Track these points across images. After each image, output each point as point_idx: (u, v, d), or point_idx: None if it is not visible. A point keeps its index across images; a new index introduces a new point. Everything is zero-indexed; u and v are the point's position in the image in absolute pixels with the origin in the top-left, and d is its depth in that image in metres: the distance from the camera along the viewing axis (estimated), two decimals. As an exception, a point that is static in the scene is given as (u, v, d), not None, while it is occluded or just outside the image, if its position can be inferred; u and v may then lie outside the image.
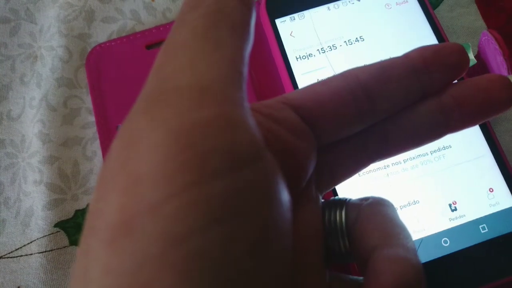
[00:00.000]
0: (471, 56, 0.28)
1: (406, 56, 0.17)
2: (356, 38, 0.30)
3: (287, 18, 0.30)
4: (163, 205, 0.11)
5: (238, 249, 0.11)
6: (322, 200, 0.17)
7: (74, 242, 0.29)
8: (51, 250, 0.28)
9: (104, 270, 0.11)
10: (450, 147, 0.27)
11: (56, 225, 0.29)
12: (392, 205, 0.17)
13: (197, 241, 0.11)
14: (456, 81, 0.17)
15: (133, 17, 0.33)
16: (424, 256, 0.25)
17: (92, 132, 0.31)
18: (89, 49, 0.32)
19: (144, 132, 0.12)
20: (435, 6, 0.33)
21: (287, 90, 0.29)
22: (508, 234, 0.25)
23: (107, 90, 0.31)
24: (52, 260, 0.28)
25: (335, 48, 0.29)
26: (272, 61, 0.31)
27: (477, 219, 0.26)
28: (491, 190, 0.27)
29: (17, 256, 0.28)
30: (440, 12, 0.33)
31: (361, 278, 0.16)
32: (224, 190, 0.11)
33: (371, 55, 0.29)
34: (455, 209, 0.26)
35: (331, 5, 0.31)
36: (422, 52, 0.17)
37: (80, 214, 0.29)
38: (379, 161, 0.18)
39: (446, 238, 0.26)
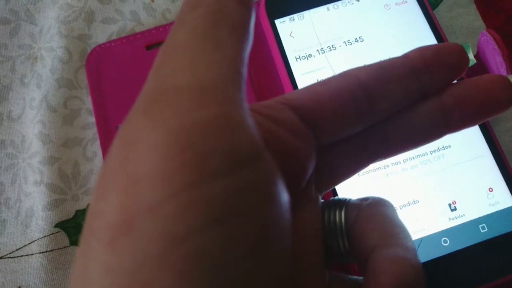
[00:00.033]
0: (471, 56, 0.28)
1: (406, 56, 0.17)
2: (356, 39, 0.30)
3: (286, 18, 0.30)
4: (163, 205, 0.11)
5: (238, 249, 0.11)
6: (322, 200, 0.17)
7: (74, 242, 0.29)
8: (51, 250, 0.28)
9: (104, 270, 0.11)
10: (450, 147, 0.27)
11: (56, 225, 0.29)
12: (391, 205, 0.17)
13: (197, 241, 0.11)
14: (455, 81, 0.17)
15: (132, 18, 0.33)
16: (424, 256, 0.25)
17: (92, 132, 0.31)
18: (89, 50, 0.32)
19: (143, 132, 0.12)
20: (435, 6, 0.33)
21: (286, 90, 0.29)
22: (508, 233, 0.26)
23: (107, 91, 0.31)
24: (52, 260, 0.28)
25: (334, 48, 0.30)
26: (271, 62, 0.31)
27: (476, 218, 0.26)
28: (490, 189, 0.27)
29: (17, 256, 0.28)
30: (440, 12, 0.33)
31: (360, 278, 0.16)
32: (224, 190, 0.11)
33: (370, 55, 0.29)
34: (455, 209, 0.26)
35: (330, 5, 0.31)
36: (421, 52, 0.17)
37: (81, 214, 0.29)
38: (379, 161, 0.18)
39: (445, 238, 0.26)
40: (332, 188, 0.18)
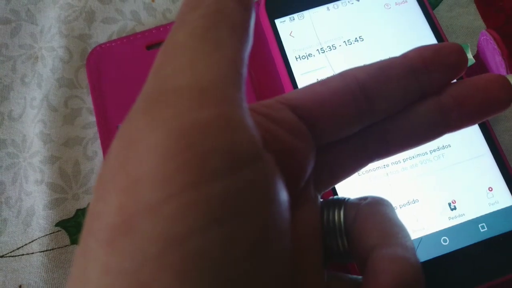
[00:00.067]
0: (470, 55, 0.28)
1: (405, 56, 0.17)
2: (356, 38, 0.30)
3: (286, 18, 0.30)
4: (162, 205, 0.11)
5: (238, 249, 0.11)
6: (321, 200, 0.17)
7: (75, 241, 0.29)
8: (52, 249, 0.28)
9: (103, 270, 0.11)
10: (450, 146, 0.27)
11: (57, 224, 0.29)
12: (390, 205, 0.17)
13: (196, 242, 0.11)
14: (455, 80, 0.17)
15: (133, 17, 0.33)
16: (424, 255, 0.25)
17: (93, 132, 0.31)
18: (89, 50, 0.32)
19: (143, 133, 0.12)
20: (434, 6, 0.33)
21: (286, 90, 0.29)
22: (507, 233, 0.26)
23: (108, 90, 0.31)
24: (53, 259, 0.28)
25: (334, 48, 0.30)
26: (271, 61, 0.31)
27: (476, 218, 0.26)
28: (490, 189, 0.27)
29: (18, 255, 0.29)
30: (439, 12, 0.33)
31: (360, 277, 0.16)
32: (223, 190, 0.11)
33: (370, 55, 0.29)
34: (455, 208, 0.26)
35: (330, 5, 0.31)
36: (420, 52, 0.17)
37: (81, 214, 0.29)
38: (378, 160, 0.18)
39: (445, 237, 0.26)
40: (331, 188, 0.18)
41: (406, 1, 0.31)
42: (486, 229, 0.26)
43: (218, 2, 0.14)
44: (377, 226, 0.15)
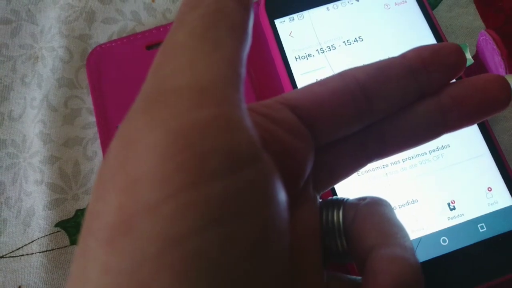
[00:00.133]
0: (468, 56, 0.28)
1: (404, 56, 0.17)
2: (355, 38, 0.30)
3: (286, 18, 0.30)
4: (161, 205, 0.11)
5: (237, 249, 0.11)
6: (320, 200, 0.17)
7: (74, 241, 0.29)
8: (52, 250, 0.28)
9: (103, 269, 0.11)
10: (449, 146, 0.27)
11: (57, 225, 0.29)
12: (389, 205, 0.17)
13: (195, 242, 0.11)
14: (454, 80, 0.18)
15: (133, 18, 0.34)
16: (423, 255, 0.25)
17: (92, 132, 0.31)
18: (89, 50, 0.32)
19: (142, 133, 0.12)
20: (434, 6, 0.33)
21: (286, 90, 0.29)
22: (507, 233, 0.26)
23: (108, 91, 0.31)
24: (53, 259, 0.28)
25: (334, 48, 0.30)
26: (271, 61, 0.31)
27: (475, 218, 0.26)
28: (489, 189, 0.27)
29: (18, 256, 0.29)
30: (439, 12, 0.33)
31: (359, 277, 0.16)
32: (222, 190, 0.11)
33: (370, 55, 0.29)
34: (454, 208, 0.26)
35: (330, 5, 0.31)
36: (419, 52, 0.17)
37: (81, 214, 0.29)
38: (377, 160, 0.18)
39: (444, 237, 0.26)
40: (330, 188, 0.18)
41: (406, 1, 0.31)
42: (485, 229, 0.26)
43: (217, 2, 0.14)
44: (376, 226, 0.15)
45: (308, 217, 0.16)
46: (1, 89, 0.32)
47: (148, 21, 0.33)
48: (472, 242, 0.25)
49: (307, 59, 0.29)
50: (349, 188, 0.26)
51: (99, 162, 0.30)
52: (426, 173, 0.27)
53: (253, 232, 0.12)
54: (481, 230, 0.26)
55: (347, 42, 0.30)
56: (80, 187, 0.30)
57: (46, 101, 0.31)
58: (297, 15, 0.30)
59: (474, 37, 0.32)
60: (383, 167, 0.27)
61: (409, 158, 0.27)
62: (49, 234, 0.29)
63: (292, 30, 0.30)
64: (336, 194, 0.27)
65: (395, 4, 0.31)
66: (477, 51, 0.29)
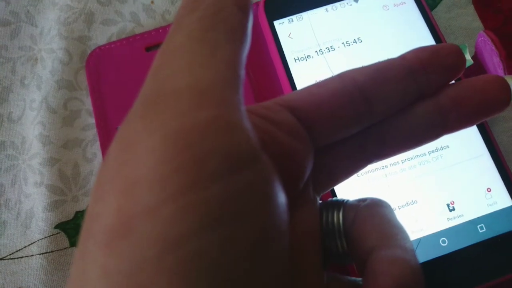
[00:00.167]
0: (468, 56, 0.28)
1: (403, 57, 0.17)
2: (354, 40, 0.30)
3: (285, 20, 0.30)
4: (160, 207, 0.11)
5: (238, 250, 0.11)
6: (320, 201, 0.17)
7: (74, 243, 0.29)
8: (51, 252, 0.28)
9: (102, 272, 0.11)
10: (448, 147, 0.28)
11: (56, 227, 0.29)
12: (389, 206, 0.17)
13: (194, 243, 0.11)
14: (453, 81, 0.18)
15: (132, 19, 0.34)
16: (422, 256, 0.25)
17: (92, 134, 0.31)
18: (89, 52, 0.32)
19: (142, 135, 0.12)
20: (433, 7, 0.33)
21: (285, 91, 0.29)
22: (506, 233, 0.26)
23: (107, 92, 0.31)
24: (52, 261, 0.28)
25: (333, 49, 0.30)
26: (270, 63, 0.31)
27: (475, 218, 0.26)
28: (489, 190, 0.27)
29: (17, 258, 0.29)
30: (438, 13, 0.33)
31: (359, 279, 0.16)
32: (221, 192, 0.11)
33: (369, 56, 0.29)
34: (453, 209, 0.26)
35: (329, 6, 0.31)
36: (418, 53, 0.17)
37: (81, 216, 0.29)
38: (376, 162, 0.18)
39: (444, 238, 0.26)
40: (330, 189, 0.18)
41: (405, 2, 0.31)
42: (484, 229, 0.26)
43: (216, 4, 0.14)
44: (376, 227, 0.15)
45: (308, 219, 0.16)
46: (0, 90, 0.32)
47: (147, 23, 0.33)
48: (471, 243, 0.25)
49: (306, 60, 0.29)
50: (348, 189, 0.26)
51: (99, 164, 0.30)
52: (426, 174, 0.27)
53: (253, 233, 0.12)
54: (480, 231, 0.26)
55: (346, 44, 0.30)
56: (80, 189, 0.30)
57: (46, 103, 0.31)
58: (296, 17, 0.30)
59: (473, 38, 0.32)
60: (383, 168, 0.27)
61: (409, 159, 0.27)
62: (49, 236, 0.29)
63: (291, 31, 0.30)
64: (336, 196, 0.27)
65: (394, 5, 0.31)
66: (475, 52, 0.30)
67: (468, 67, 0.29)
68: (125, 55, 0.32)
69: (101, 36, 0.33)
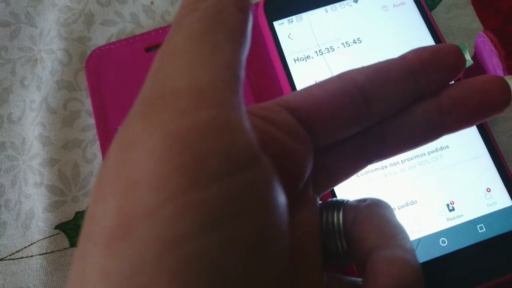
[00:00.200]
0: (468, 57, 0.28)
1: (403, 57, 0.17)
2: (354, 40, 0.30)
3: (285, 20, 0.30)
4: (160, 208, 0.11)
5: (238, 250, 0.11)
6: (320, 202, 0.17)
7: (74, 244, 0.29)
8: (51, 252, 0.28)
9: (102, 273, 0.11)
10: (448, 147, 0.28)
11: (56, 227, 0.29)
12: (389, 207, 0.17)
13: (194, 244, 0.11)
14: (452, 81, 0.18)
15: (132, 20, 0.34)
16: (422, 256, 0.25)
17: (92, 134, 0.31)
18: (88, 52, 0.32)
19: (141, 136, 0.12)
20: (432, 7, 0.33)
21: (285, 92, 0.29)
22: (506, 233, 0.26)
23: (107, 93, 0.31)
24: (52, 261, 0.28)
25: (332, 50, 0.30)
26: (270, 63, 0.31)
27: (474, 219, 0.26)
28: (488, 190, 0.27)
29: (18, 258, 0.29)
30: (437, 14, 0.33)
31: (359, 279, 0.16)
32: (221, 192, 0.11)
33: (368, 56, 0.29)
34: (453, 209, 0.26)
35: (328, 7, 0.31)
36: (418, 54, 0.17)
37: (81, 216, 0.29)
38: (376, 162, 0.18)
39: (444, 238, 0.26)
40: (330, 190, 0.18)
41: (404, 3, 0.31)
42: (484, 230, 0.26)
43: (215, 5, 0.14)
44: (376, 228, 0.15)
45: (308, 219, 0.16)
46: (1, 91, 0.32)
47: (147, 23, 0.34)
48: (471, 243, 0.25)
49: (306, 61, 0.29)
50: (348, 189, 0.26)
51: (99, 164, 0.30)
52: (425, 174, 0.27)
53: (253, 234, 0.12)
54: (480, 231, 0.26)
55: (346, 44, 0.30)
56: (80, 189, 0.30)
57: (45, 104, 0.31)
58: (296, 17, 0.30)
59: (473, 38, 0.32)
60: (382, 169, 0.27)
61: (408, 159, 0.27)
62: (49, 237, 0.29)
63: (291, 32, 0.30)
64: (336, 196, 0.27)
65: (393, 5, 0.31)
66: (475, 52, 0.30)
67: (468, 67, 0.29)
68: (125, 56, 0.32)
69: (100, 37, 0.33)
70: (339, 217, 0.16)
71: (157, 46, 0.32)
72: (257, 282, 0.12)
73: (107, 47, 0.32)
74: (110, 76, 0.31)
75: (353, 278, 0.16)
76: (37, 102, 0.32)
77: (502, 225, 0.26)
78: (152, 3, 0.34)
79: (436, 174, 0.27)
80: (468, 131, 0.28)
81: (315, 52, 0.30)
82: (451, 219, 0.26)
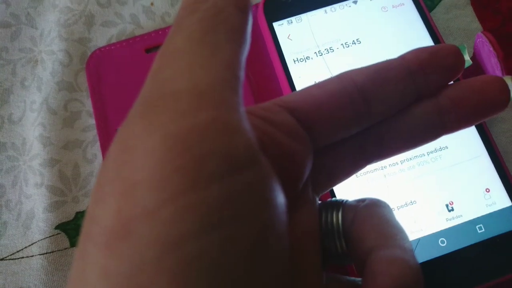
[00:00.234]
0: (467, 57, 0.29)
1: (402, 58, 0.17)
2: (353, 41, 0.30)
3: (284, 21, 0.31)
4: (160, 209, 0.11)
5: (238, 250, 0.11)
6: (319, 202, 0.17)
7: (74, 244, 0.29)
8: (52, 252, 0.28)
9: (102, 273, 0.11)
10: (447, 147, 0.28)
11: (57, 227, 0.29)
12: (388, 207, 0.17)
13: (194, 244, 0.11)
14: (452, 82, 0.18)
15: (132, 21, 0.34)
16: (421, 256, 0.25)
17: (92, 135, 0.31)
18: (89, 53, 0.33)
19: (141, 137, 0.12)
20: (431, 8, 0.33)
21: (285, 92, 0.29)
22: (505, 234, 0.26)
23: (107, 94, 0.31)
24: (53, 261, 0.28)
25: (332, 51, 0.30)
26: (270, 64, 0.31)
27: (473, 219, 0.26)
28: (487, 190, 0.27)
29: (18, 258, 0.29)
30: (436, 14, 0.33)
31: (358, 279, 0.16)
32: (221, 193, 0.11)
33: (368, 57, 0.29)
34: (452, 209, 0.26)
35: (328, 8, 0.31)
36: (418, 54, 0.17)
37: (81, 216, 0.29)
38: (376, 162, 0.18)
39: (443, 238, 0.26)
40: (329, 190, 0.18)
41: (403, 4, 0.31)
42: (483, 230, 0.26)
43: (215, 6, 0.14)
44: (375, 228, 0.16)
45: (307, 219, 0.16)
46: (1, 92, 0.32)
47: (147, 24, 0.34)
48: (470, 243, 0.26)
49: (306, 61, 0.29)
50: (348, 189, 0.27)
51: (99, 165, 0.30)
52: (425, 174, 0.27)
53: (252, 234, 0.12)
54: (479, 231, 0.26)
55: (345, 45, 0.30)
56: (80, 190, 0.30)
57: (46, 104, 0.31)
58: (295, 18, 0.31)
59: (472, 39, 0.32)
60: (382, 169, 0.27)
61: (407, 160, 0.27)
62: (49, 237, 0.29)
63: (291, 33, 0.30)
64: (335, 196, 0.27)
65: (393, 6, 0.31)
66: (474, 53, 0.30)
67: (467, 67, 0.29)
68: (125, 57, 0.32)
69: (101, 38, 0.33)
70: (338, 217, 0.16)
71: (157, 47, 0.32)
72: (257, 282, 0.12)
73: (107, 48, 0.32)
74: (110, 77, 0.31)
75: (352, 278, 0.16)
76: (37, 103, 0.32)
77: (501, 225, 0.26)
78: (152, 4, 0.34)
79: (435, 175, 0.27)
80: (467, 131, 0.28)
81: (314, 53, 0.30)
82: (450, 219, 0.26)
